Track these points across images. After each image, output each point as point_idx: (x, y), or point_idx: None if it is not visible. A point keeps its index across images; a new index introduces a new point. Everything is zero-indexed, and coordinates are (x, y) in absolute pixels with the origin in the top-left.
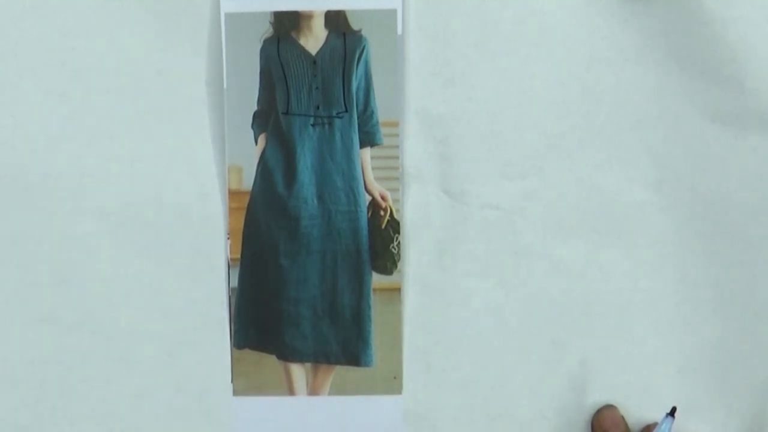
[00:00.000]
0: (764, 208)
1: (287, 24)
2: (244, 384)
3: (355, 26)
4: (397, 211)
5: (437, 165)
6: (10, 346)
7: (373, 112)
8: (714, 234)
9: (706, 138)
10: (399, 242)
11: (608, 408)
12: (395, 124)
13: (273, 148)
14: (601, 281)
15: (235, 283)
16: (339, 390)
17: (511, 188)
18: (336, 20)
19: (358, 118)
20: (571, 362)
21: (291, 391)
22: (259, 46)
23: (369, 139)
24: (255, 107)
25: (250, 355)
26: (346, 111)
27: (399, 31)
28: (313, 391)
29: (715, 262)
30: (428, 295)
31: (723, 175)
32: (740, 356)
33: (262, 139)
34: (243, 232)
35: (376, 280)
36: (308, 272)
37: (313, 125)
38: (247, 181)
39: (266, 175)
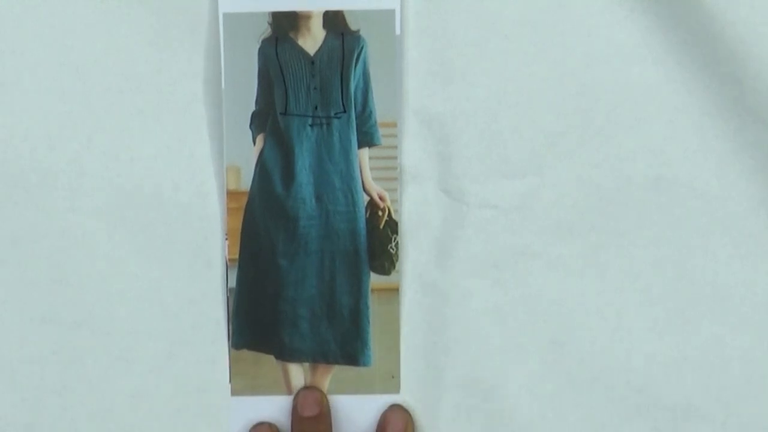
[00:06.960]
0: (763, 204)
1: (285, 24)
2: (242, 384)
3: (353, 26)
4: (396, 211)
5: (436, 165)
6: (7, 345)
7: (371, 112)
8: (713, 232)
9: (706, 135)
10: (397, 242)
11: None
12: (393, 125)
13: (271, 148)
14: (601, 281)
15: (233, 283)
16: (337, 389)
17: (510, 187)
18: (334, 20)
19: (356, 118)
20: (571, 362)
21: (289, 391)
22: (257, 46)
23: (367, 139)
24: (253, 107)
25: (248, 355)
26: (345, 111)
27: (397, 31)
28: None
29: (714, 260)
30: (427, 295)
31: (722, 173)
32: (740, 355)
33: (260, 139)
34: (241, 233)
35: (375, 280)
36: (306, 272)
37: (311, 125)
38: (245, 181)
39: (264, 176)
